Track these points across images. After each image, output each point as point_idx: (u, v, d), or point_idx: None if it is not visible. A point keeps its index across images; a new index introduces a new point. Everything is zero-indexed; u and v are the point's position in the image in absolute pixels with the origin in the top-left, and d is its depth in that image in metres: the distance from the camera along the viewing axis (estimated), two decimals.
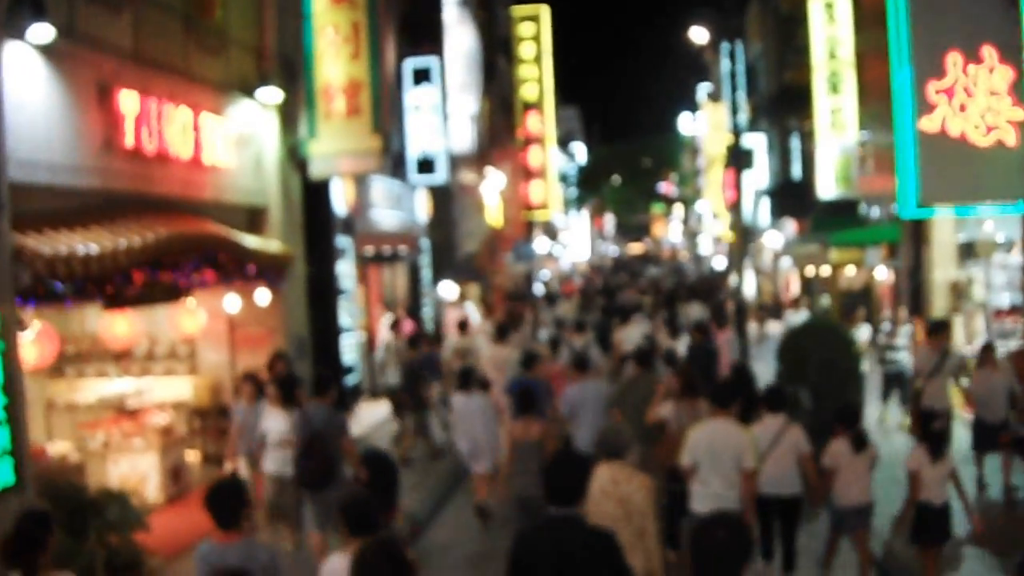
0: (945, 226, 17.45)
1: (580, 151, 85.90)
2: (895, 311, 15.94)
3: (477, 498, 11.86)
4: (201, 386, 14.13)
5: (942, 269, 17.60)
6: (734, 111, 34.61)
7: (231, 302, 13.28)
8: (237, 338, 14.49)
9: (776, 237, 34.54)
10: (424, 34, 23.11)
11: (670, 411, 9.89)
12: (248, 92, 13.96)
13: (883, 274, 22.79)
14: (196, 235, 11.60)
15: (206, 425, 13.91)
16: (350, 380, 17.02)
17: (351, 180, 17.03)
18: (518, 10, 41.60)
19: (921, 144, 13.06)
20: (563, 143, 66.87)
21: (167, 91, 11.50)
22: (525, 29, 41.28)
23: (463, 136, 27.64)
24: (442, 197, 24.79)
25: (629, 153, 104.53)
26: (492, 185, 31.68)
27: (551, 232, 53.88)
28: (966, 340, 16.78)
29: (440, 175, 21.56)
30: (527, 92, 41.34)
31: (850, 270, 25.88)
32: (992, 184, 12.94)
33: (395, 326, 16.98)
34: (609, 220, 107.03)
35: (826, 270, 27.38)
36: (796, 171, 31.97)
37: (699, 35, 37.55)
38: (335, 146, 15.16)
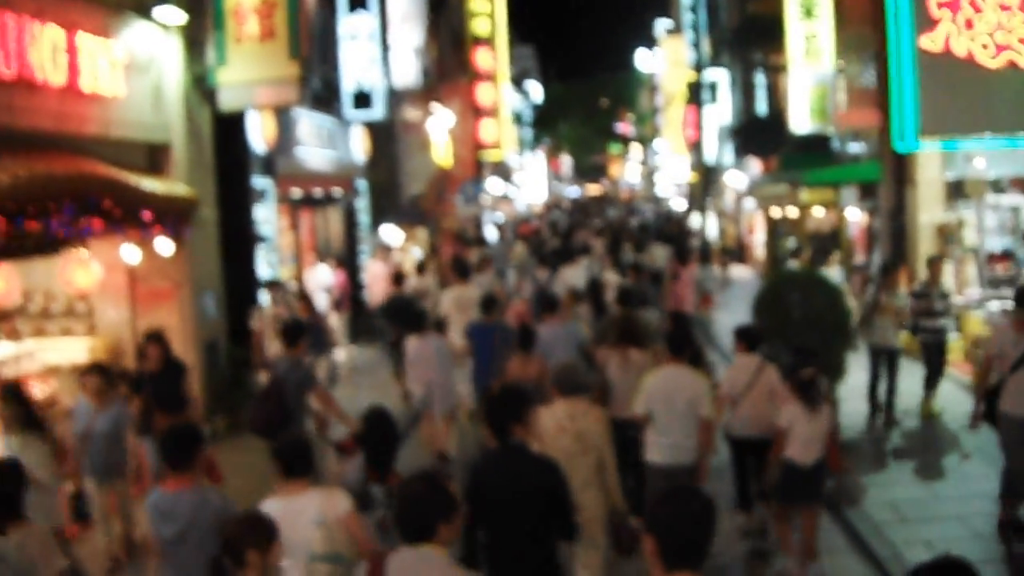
0: (932, 163, 15.73)
1: (536, 90, 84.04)
2: (933, 268, 12.83)
3: (434, 446, 11.55)
4: (99, 348, 12.47)
5: (928, 211, 15.96)
6: (696, 44, 33.06)
7: (129, 253, 11.74)
8: (139, 293, 12.92)
9: (740, 177, 32.87)
10: None
11: (604, 356, 9.54)
12: (144, 12, 12.12)
13: (856, 216, 21.20)
14: (71, 177, 9.84)
15: None
16: None
17: (270, 114, 15.12)
18: None
19: (921, 66, 11.44)
20: (518, 82, 65.19)
21: (32, 7, 9.67)
22: None
23: (406, 70, 25.70)
24: (382, 135, 22.94)
25: (586, 92, 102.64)
26: (439, 123, 29.81)
27: (505, 173, 52.09)
28: (957, 289, 15.23)
29: (377, 110, 19.79)
30: (478, 26, 39.32)
31: (818, 211, 24.33)
32: (1002, 112, 11.35)
33: (273, 287, 14.48)
34: (566, 161, 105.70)
35: (793, 211, 25.84)
36: (761, 107, 30.33)
37: None
38: (248, 74, 13.35)
